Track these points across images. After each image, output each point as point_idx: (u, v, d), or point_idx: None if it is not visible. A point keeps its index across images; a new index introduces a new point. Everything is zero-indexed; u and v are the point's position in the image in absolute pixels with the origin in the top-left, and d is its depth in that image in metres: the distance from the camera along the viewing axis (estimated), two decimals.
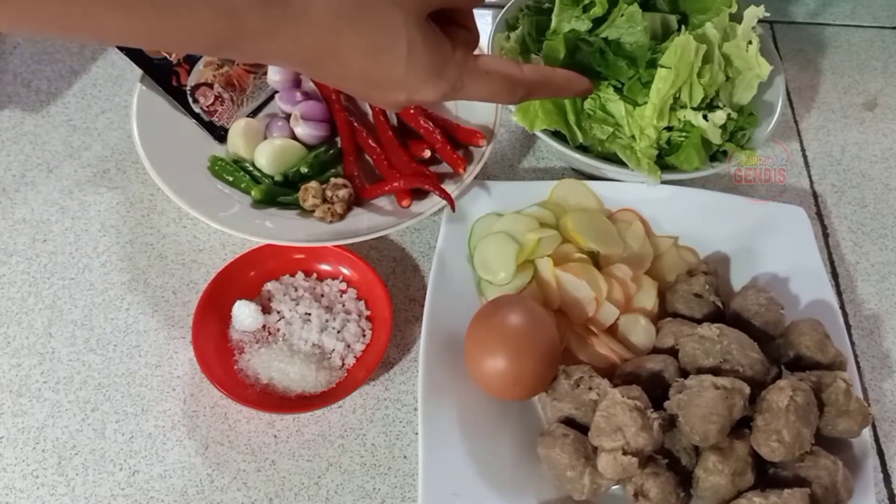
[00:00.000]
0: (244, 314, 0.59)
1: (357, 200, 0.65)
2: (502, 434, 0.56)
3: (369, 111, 0.72)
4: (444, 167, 0.66)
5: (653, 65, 0.62)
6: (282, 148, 0.66)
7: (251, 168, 0.65)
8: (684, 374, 0.54)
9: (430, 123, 0.66)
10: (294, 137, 0.68)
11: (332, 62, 0.37)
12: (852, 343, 0.65)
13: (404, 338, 0.63)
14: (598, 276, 0.61)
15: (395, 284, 0.65)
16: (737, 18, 0.68)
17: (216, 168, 0.65)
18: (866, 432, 0.54)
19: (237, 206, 0.63)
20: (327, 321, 0.60)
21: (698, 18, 0.67)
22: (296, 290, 0.62)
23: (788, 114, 0.83)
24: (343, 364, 0.59)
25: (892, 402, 0.63)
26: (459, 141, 0.67)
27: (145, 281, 0.64)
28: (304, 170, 0.65)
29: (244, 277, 0.62)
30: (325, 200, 0.63)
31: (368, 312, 0.62)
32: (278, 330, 0.60)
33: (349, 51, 0.37)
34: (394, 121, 0.71)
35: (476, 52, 0.44)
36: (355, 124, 0.69)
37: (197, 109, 0.67)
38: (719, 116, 0.64)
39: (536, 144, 0.77)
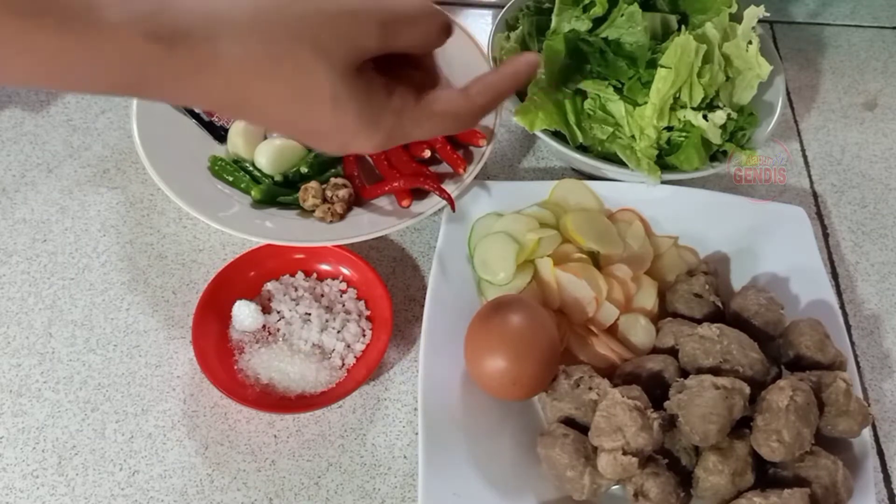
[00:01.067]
0: (244, 314, 0.59)
1: (357, 200, 0.65)
2: (502, 434, 0.56)
3: None
4: (444, 167, 0.66)
5: (653, 65, 0.62)
6: (282, 148, 0.66)
7: (251, 168, 0.65)
8: (684, 374, 0.54)
9: None
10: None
11: (250, 110, 0.36)
12: (852, 343, 0.65)
13: (404, 338, 0.63)
14: (598, 276, 0.61)
15: (395, 284, 0.65)
16: (737, 18, 0.68)
17: (216, 168, 0.65)
18: (866, 432, 0.54)
19: (237, 206, 0.63)
20: (327, 321, 0.60)
21: (698, 18, 0.67)
22: (296, 290, 0.62)
23: (788, 114, 0.83)
24: (343, 364, 0.59)
25: (892, 402, 0.63)
26: (459, 141, 0.67)
27: (145, 281, 0.64)
28: (304, 170, 0.65)
29: (244, 277, 0.62)
30: (325, 200, 0.63)
31: (368, 312, 0.62)
32: (278, 330, 0.60)
33: (267, 100, 0.35)
34: None
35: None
36: None
37: (197, 109, 0.67)
38: (719, 116, 0.64)
39: (536, 144, 0.77)
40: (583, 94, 0.65)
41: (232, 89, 0.34)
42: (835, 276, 0.70)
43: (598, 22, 0.64)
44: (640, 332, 0.60)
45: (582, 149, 0.66)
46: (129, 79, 0.32)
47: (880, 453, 0.61)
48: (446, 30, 0.39)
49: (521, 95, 0.68)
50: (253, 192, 0.63)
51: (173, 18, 0.31)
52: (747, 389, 0.50)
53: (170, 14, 0.31)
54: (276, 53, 0.33)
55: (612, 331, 0.60)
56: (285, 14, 0.33)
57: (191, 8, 0.32)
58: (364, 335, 0.61)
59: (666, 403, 0.51)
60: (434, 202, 0.62)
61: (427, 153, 0.65)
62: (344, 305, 0.62)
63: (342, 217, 0.63)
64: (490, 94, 0.42)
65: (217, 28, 0.32)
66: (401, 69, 0.40)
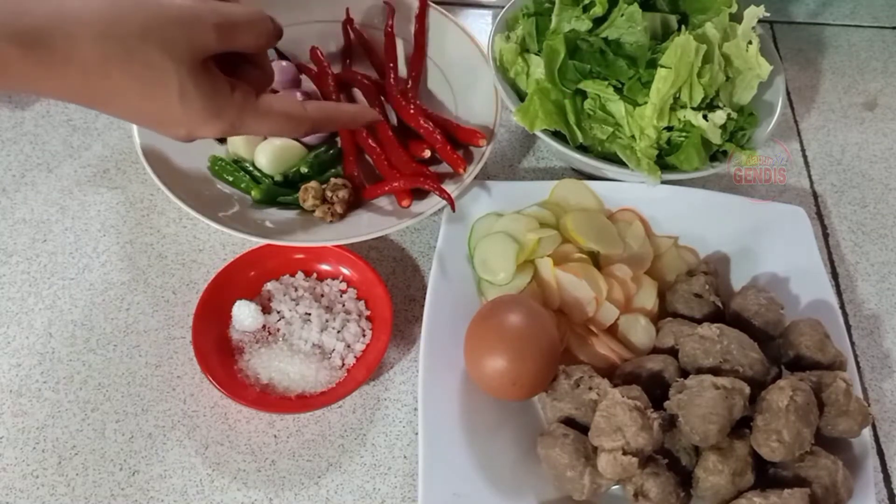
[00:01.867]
0: (244, 314, 0.59)
1: (357, 200, 0.65)
2: (502, 434, 0.56)
3: None
4: (444, 167, 0.66)
5: (653, 65, 0.62)
6: (282, 148, 0.66)
7: (251, 168, 0.65)
8: (684, 374, 0.55)
9: (430, 123, 0.66)
10: (294, 137, 0.68)
11: (107, 103, 0.41)
12: (852, 343, 0.65)
13: (404, 338, 0.63)
14: (598, 276, 0.61)
15: (395, 284, 0.65)
16: (737, 18, 0.68)
17: (216, 168, 0.65)
18: (866, 432, 0.54)
19: (237, 206, 0.63)
20: (327, 321, 0.60)
21: (698, 18, 0.67)
22: (296, 290, 0.62)
23: (788, 114, 0.83)
24: (343, 364, 0.59)
25: (892, 402, 0.63)
26: (459, 141, 0.67)
27: (145, 281, 0.64)
28: (304, 170, 0.65)
29: (244, 277, 0.62)
30: (325, 200, 0.63)
31: (368, 312, 0.62)
32: (278, 330, 0.60)
33: (122, 94, 0.40)
34: (394, 121, 0.71)
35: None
36: None
37: None
38: (719, 116, 0.64)
39: (536, 144, 0.77)
40: (583, 94, 0.65)
41: (89, 84, 0.39)
42: (835, 276, 0.70)
43: (598, 22, 0.64)
44: (640, 332, 0.60)
45: (582, 149, 0.66)
46: None
47: (880, 453, 0.61)
48: (277, 33, 0.46)
49: (522, 96, 0.68)
50: (253, 192, 0.63)
51: (33, 23, 0.36)
52: (747, 389, 0.50)
53: (29, 19, 0.36)
54: (127, 51, 0.38)
55: (612, 331, 0.60)
56: (134, 18, 0.39)
57: (48, 13, 0.37)
58: (364, 335, 0.61)
59: (666, 403, 0.51)
60: (434, 202, 0.62)
61: (427, 153, 0.65)
62: (344, 305, 0.62)
63: (342, 217, 0.63)
64: (323, 114, 0.50)
65: (74, 30, 0.37)
66: (240, 67, 0.46)
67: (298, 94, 0.69)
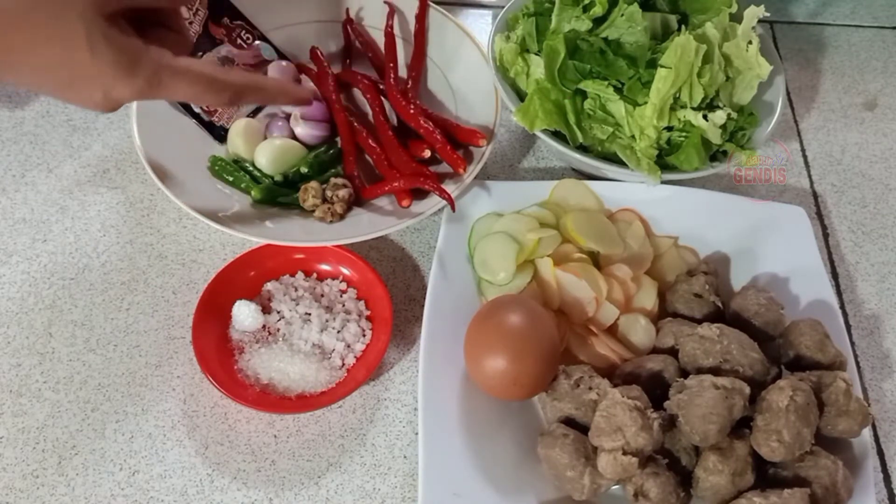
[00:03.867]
0: (244, 314, 0.59)
1: (357, 200, 0.65)
2: (502, 434, 0.56)
3: (369, 111, 0.72)
4: (444, 167, 0.66)
5: (653, 65, 0.62)
6: (282, 148, 0.66)
7: (251, 168, 0.65)
8: (684, 374, 0.55)
9: (430, 123, 0.66)
10: (294, 137, 0.68)
11: (14, 64, 0.39)
12: (852, 343, 0.65)
13: (404, 338, 0.63)
14: (598, 276, 0.61)
15: (395, 284, 0.65)
16: (737, 18, 0.68)
17: (216, 168, 0.65)
18: (866, 432, 0.54)
19: (237, 206, 0.63)
20: (327, 321, 0.60)
21: (698, 18, 0.67)
22: (296, 290, 0.62)
23: (788, 114, 0.83)
24: (343, 364, 0.59)
25: (892, 402, 0.63)
26: (459, 141, 0.67)
27: (145, 281, 0.64)
28: (304, 170, 0.65)
29: (244, 277, 0.62)
30: (325, 200, 0.63)
31: (368, 312, 0.62)
32: (278, 330, 0.60)
33: (27, 49, 0.39)
34: (394, 121, 0.71)
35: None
36: (355, 124, 0.69)
37: (197, 109, 0.67)
38: (719, 116, 0.64)
39: (536, 144, 0.77)
40: (583, 94, 0.65)
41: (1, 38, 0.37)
42: (835, 276, 0.70)
43: (598, 22, 0.64)
44: (640, 332, 0.60)
45: (582, 149, 0.66)
46: None
47: (880, 453, 0.61)
48: None
49: (522, 96, 0.68)
50: (253, 192, 0.63)
51: None
52: (747, 389, 0.50)
53: None
54: (28, 4, 0.37)
55: (612, 331, 0.60)
56: None
57: None
58: (364, 335, 0.61)
59: (666, 403, 0.51)
60: (434, 202, 0.62)
61: (427, 153, 0.65)
62: (344, 305, 0.62)
63: (342, 217, 0.63)
64: (249, 81, 0.47)
65: None
66: (155, 31, 0.45)
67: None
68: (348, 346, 0.60)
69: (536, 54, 0.68)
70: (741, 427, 0.51)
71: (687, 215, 0.66)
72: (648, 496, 0.49)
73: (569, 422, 0.53)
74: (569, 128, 0.65)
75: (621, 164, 0.64)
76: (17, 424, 0.56)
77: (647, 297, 0.62)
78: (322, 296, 0.62)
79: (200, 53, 0.68)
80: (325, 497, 0.55)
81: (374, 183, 0.65)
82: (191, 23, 0.68)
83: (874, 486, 0.53)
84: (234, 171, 0.65)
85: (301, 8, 0.76)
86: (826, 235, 0.73)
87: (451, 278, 0.61)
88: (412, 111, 0.67)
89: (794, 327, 0.58)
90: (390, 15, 0.75)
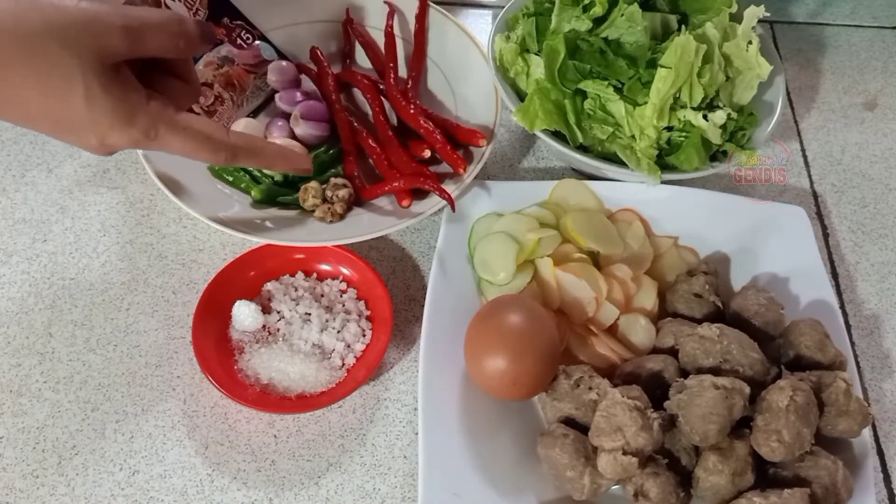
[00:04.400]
0: (244, 314, 0.59)
1: (357, 200, 0.65)
2: (502, 434, 0.56)
3: (369, 111, 0.72)
4: (444, 167, 0.66)
5: (653, 65, 0.62)
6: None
7: (251, 168, 0.65)
8: (684, 374, 0.54)
9: (430, 123, 0.66)
10: (294, 137, 0.68)
11: (10, 105, 0.39)
12: (852, 343, 0.65)
13: (404, 338, 0.63)
14: (598, 276, 0.61)
15: (395, 284, 0.65)
16: (737, 18, 0.68)
17: (216, 168, 0.65)
18: (866, 432, 0.54)
19: (237, 206, 0.63)
20: (327, 321, 0.60)
21: (698, 18, 0.67)
22: (296, 290, 0.62)
23: (788, 114, 0.83)
24: (343, 364, 0.59)
25: (892, 402, 0.63)
26: (459, 141, 0.67)
27: (145, 281, 0.64)
28: None
29: (244, 277, 0.62)
30: (325, 200, 0.63)
31: (368, 312, 0.62)
32: (278, 330, 0.60)
33: (24, 94, 0.38)
34: (394, 121, 0.71)
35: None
36: (355, 124, 0.69)
37: (197, 109, 0.67)
38: (719, 116, 0.64)
39: (536, 144, 0.77)
40: (583, 94, 0.65)
41: None
42: (835, 276, 0.70)
43: (598, 22, 0.64)
44: (640, 332, 0.60)
45: (582, 149, 0.66)
46: None
47: (880, 453, 0.61)
48: (200, 37, 0.43)
49: (522, 96, 0.68)
50: (253, 192, 0.63)
51: None
52: (747, 389, 0.50)
53: None
54: (28, 51, 0.37)
55: (612, 331, 0.60)
56: (34, 17, 0.38)
57: None
58: (364, 335, 0.61)
59: (666, 403, 0.51)
60: (434, 202, 0.62)
61: (427, 153, 0.65)
62: (344, 305, 0.62)
63: (342, 217, 0.63)
64: (247, 144, 0.48)
65: None
66: (163, 79, 0.45)
67: (298, 94, 0.69)
68: (348, 346, 0.60)
69: (536, 54, 0.68)
70: (741, 427, 0.51)
71: (687, 215, 0.66)
72: (648, 496, 0.49)
73: (569, 422, 0.53)
74: (569, 128, 0.65)
75: (621, 164, 0.64)
76: (17, 424, 0.56)
77: (647, 297, 0.62)
78: (322, 296, 0.62)
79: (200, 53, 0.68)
80: (325, 497, 0.55)
81: (374, 183, 0.65)
82: None
83: (874, 486, 0.53)
84: (234, 170, 0.65)
85: (301, 8, 0.76)
86: (826, 235, 0.73)
87: (451, 278, 0.61)
88: (412, 111, 0.67)
89: (794, 327, 0.58)
90: (390, 15, 0.75)
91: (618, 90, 0.63)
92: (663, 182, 0.64)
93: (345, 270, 0.64)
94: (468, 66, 0.73)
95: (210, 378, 0.55)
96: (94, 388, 0.58)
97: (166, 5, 0.66)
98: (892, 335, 0.67)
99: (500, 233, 0.62)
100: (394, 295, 0.63)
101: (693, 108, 0.63)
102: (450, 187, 0.62)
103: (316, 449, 0.57)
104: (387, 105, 0.72)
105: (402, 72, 0.74)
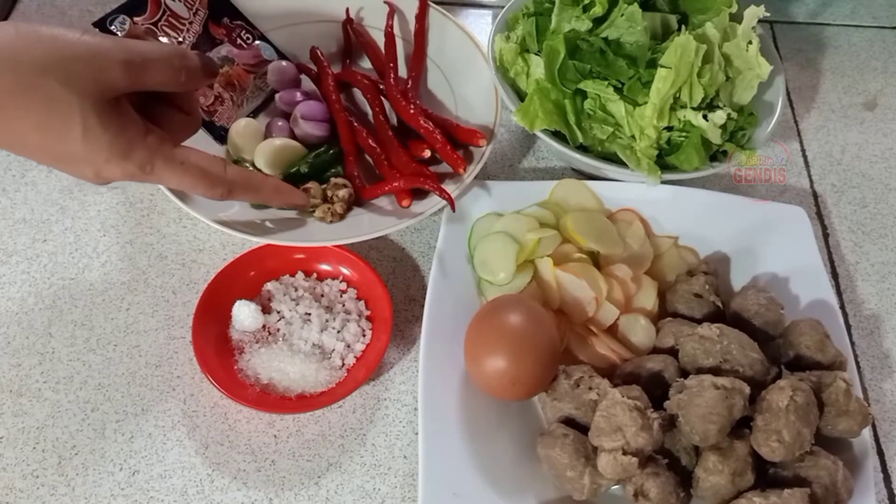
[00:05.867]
0: (244, 314, 0.59)
1: (357, 200, 0.65)
2: (502, 434, 0.56)
3: (369, 111, 0.72)
4: (444, 167, 0.66)
5: (653, 65, 0.62)
6: (282, 148, 0.66)
7: (251, 168, 0.65)
8: (684, 374, 0.54)
9: (430, 123, 0.66)
10: (294, 137, 0.68)
11: (9, 138, 0.39)
12: (852, 343, 0.65)
13: (404, 338, 0.63)
14: (598, 276, 0.61)
15: (395, 284, 0.65)
16: (737, 18, 0.68)
17: None
18: (866, 432, 0.54)
19: (237, 206, 0.63)
20: (327, 321, 0.60)
21: (698, 18, 0.67)
22: (296, 290, 0.62)
23: (788, 114, 0.83)
24: (343, 364, 0.59)
25: (892, 402, 0.63)
26: (459, 141, 0.67)
27: (145, 281, 0.64)
28: (304, 170, 0.65)
29: (244, 277, 0.62)
30: (325, 200, 0.63)
31: (368, 312, 0.62)
32: (278, 330, 0.60)
33: (23, 128, 0.39)
34: (394, 121, 0.71)
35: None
36: (355, 124, 0.69)
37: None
38: (719, 116, 0.64)
39: (536, 144, 0.77)
40: (583, 94, 0.65)
41: None
42: (835, 276, 0.70)
43: (598, 22, 0.64)
44: (640, 332, 0.60)
45: (582, 149, 0.66)
46: None
47: (880, 453, 0.61)
48: (203, 71, 0.44)
49: (522, 96, 0.68)
50: None
51: None
52: (747, 389, 0.50)
53: None
54: (27, 85, 0.37)
55: (612, 331, 0.60)
56: (34, 51, 0.38)
57: None
58: (364, 335, 0.61)
59: (666, 403, 0.51)
60: (434, 202, 0.62)
61: (427, 153, 0.65)
62: (344, 305, 0.62)
63: (342, 217, 0.63)
64: (244, 180, 0.48)
65: None
66: (162, 109, 0.45)
67: (298, 94, 0.69)
68: (348, 346, 0.60)
69: (536, 54, 0.68)
70: (741, 427, 0.51)
71: (687, 215, 0.66)
72: (648, 496, 0.49)
73: (569, 422, 0.53)
74: (569, 128, 0.65)
75: (621, 164, 0.64)
76: (17, 424, 0.56)
77: (647, 297, 0.62)
78: (322, 296, 0.62)
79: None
80: (325, 497, 0.55)
81: (374, 183, 0.65)
82: (191, 23, 0.68)
83: (874, 486, 0.53)
84: None
85: (301, 8, 0.76)
86: (826, 235, 0.73)
87: (451, 278, 0.61)
88: (412, 111, 0.67)
89: (794, 327, 0.58)
90: (390, 15, 0.75)
91: (618, 90, 0.63)
92: (663, 182, 0.64)
93: (345, 270, 0.64)
94: (468, 66, 0.73)
95: (210, 378, 0.55)
96: (94, 388, 0.58)
97: (167, 6, 0.66)
98: (892, 335, 0.67)
99: (500, 233, 0.62)
100: (394, 295, 0.63)
101: (693, 108, 0.63)
102: (450, 187, 0.62)
103: (316, 449, 0.57)
104: (387, 105, 0.72)
105: (402, 72, 0.74)
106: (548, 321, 0.56)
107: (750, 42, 0.66)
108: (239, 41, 0.71)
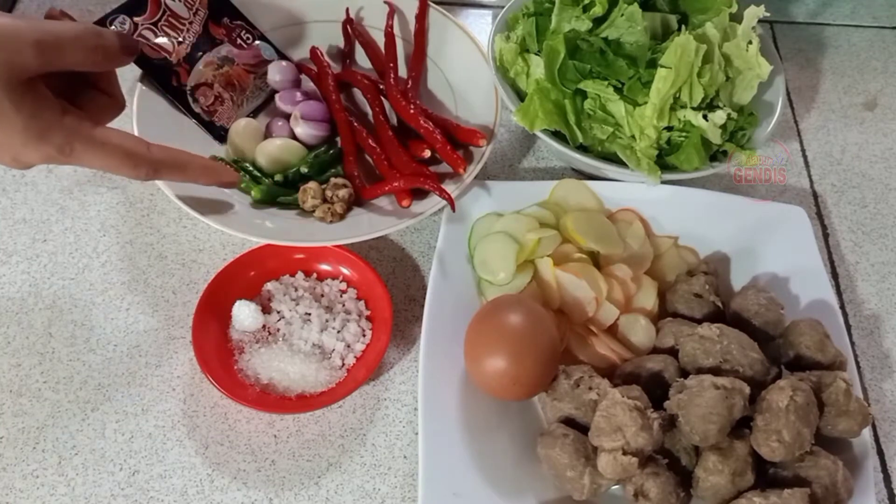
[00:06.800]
0: (244, 314, 0.59)
1: (357, 200, 0.65)
2: (502, 434, 0.56)
3: (369, 111, 0.72)
4: (444, 167, 0.66)
5: (653, 65, 0.62)
6: (282, 148, 0.66)
7: (251, 168, 0.65)
8: (684, 374, 0.54)
9: (430, 123, 0.66)
10: (294, 137, 0.68)
11: None
12: (852, 343, 0.65)
13: (404, 338, 0.63)
14: (598, 276, 0.61)
15: (395, 284, 0.65)
16: (737, 18, 0.68)
17: None
18: (866, 432, 0.54)
19: (237, 206, 0.63)
20: (327, 321, 0.60)
21: (698, 18, 0.67)
22: (296, 290, 0.62)
23: (788, 114, 0.83)
24: (343, 364, 0.59)
25: (892, 402, 0.63)
26: (459, 141, 0.67)
27: (145, 281, 0.64)
28: (304, 170, 0.65)
29: (244, 277, 0.62)
30: (325, 200, 0.63)
31: (368, 312, 0.62)
32: (278, 330, 0.60)
33: None
34: (394, 121, 0.71)
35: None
36: (355, 124, 0.69)
37: (197, 109, 0.67)
38: (719, 116, 0.64)
39: (536, 144, 0.77)
40: (583, 94, 0.65)
41: None
42: (835, 276, 0.70)
43: (598, 22, 0.64)
44: (640, 332, 0.60)
45: (582, 149, 0.66)
46: None
47: (880, 453, 0.61)
48: (121, 50, 0.42)
49: (522, 96, 0.68)
50: (253, 192, 0.63)
51: None
52: (747, 389, 0.50)
53: None
54: None
55: (612, 331, 0.60)
56: None
57: None
58: (364, 335, 0.61)
59: (666, 403, 0.51)
60: (434, 202, 0.62)
61: (427, 153, 0.65)
62: (344, 305, 0.62)
63: (342, 217, 0.63)
64: (170, 158, 0.47)
65: None
66: (85, 90, 0.44)
67: (298, 94, 0.69)
68: (348, 346, 0.60)
69: (536, 54, 0.68)
70: (741, 427, 0.51)
71: (687, 215, 0.66)
72: (648, 496, 0.49)
73: (569, 422, 0.53)
74: (569, 128, 0.65)
75: (621, 164, 0.64)
76: (17, 424, 0.56)
77: (647, 297, 0.62)
78: (322, 296, 0.62)
79: (200, 53, 0.68)
80: (325, 497, 0.55)
81: (374, 183, 0.65)
82: (191, 23, 0.68)
83: (874, 486, 0.53)
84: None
85: (301, 8, 0.76)
86: (826, 235, 0.73)
87: (451, 278, 0.61)
88: (412, 111, 0.67)
89: (794, 327, 0.58)
90: (390, 15, 0.75)
91: (618, 90, 0.63)
92: (663, 182, 0.64)
93: (345, 270, 0.64)
94: (468, 66, 0.73)
95: (210, 378, 0.55)
96: (94, 388, 0.58)
97: (167, 6, 0.66)
98: (892, 335, 0.67)
99: (500, 233, 0.62)
100: (394, 295, 0.63)
101: (693, 108, 0.63)
102: (450, 187, 0.62)
103: (316, 449, 0.57)
104: (387, 105, 0.72)
105: (402, 72, 0.74)
106: (548, 321, 0.56)
107: (750, 42, 0.66)
108: (239, 41, 0.71)
